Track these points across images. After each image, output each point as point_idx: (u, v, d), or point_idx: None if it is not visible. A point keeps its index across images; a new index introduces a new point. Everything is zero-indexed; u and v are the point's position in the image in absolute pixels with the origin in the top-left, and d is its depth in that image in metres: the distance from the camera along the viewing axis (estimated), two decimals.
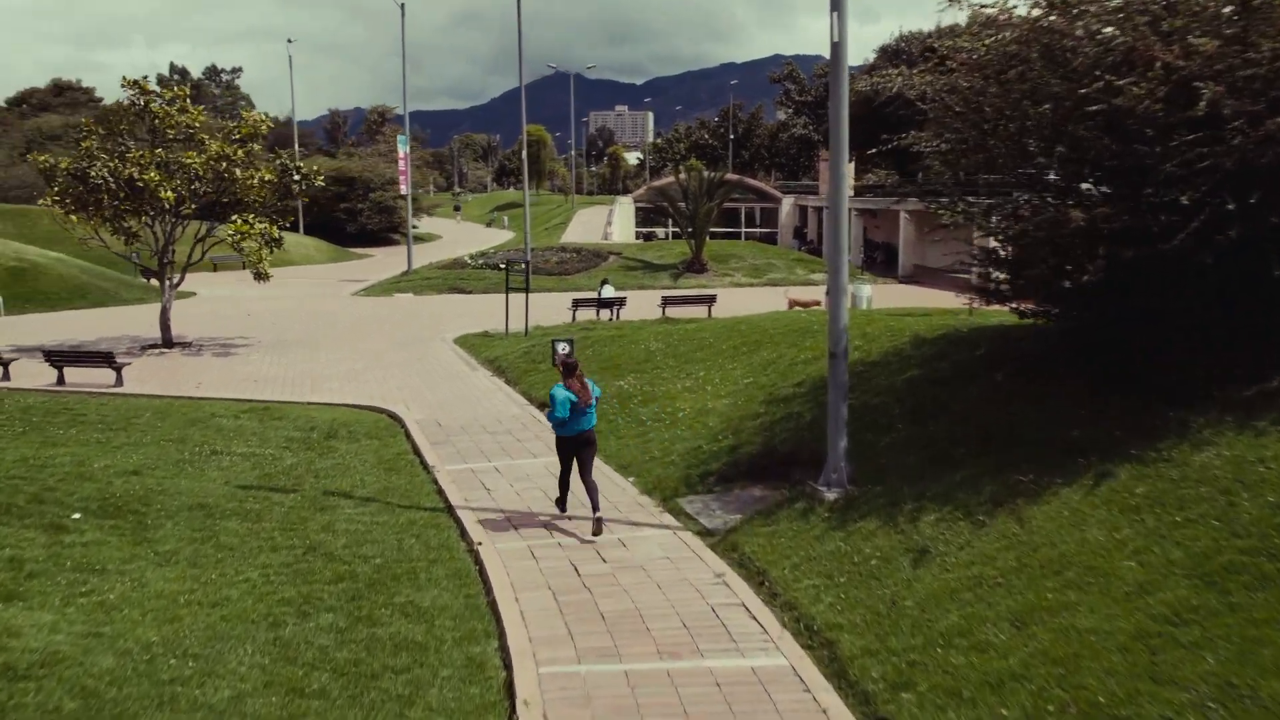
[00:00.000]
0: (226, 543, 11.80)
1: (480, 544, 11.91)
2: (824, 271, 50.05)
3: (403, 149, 55.79)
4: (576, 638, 9.37)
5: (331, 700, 7.89)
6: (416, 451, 16.85)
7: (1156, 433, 10.32)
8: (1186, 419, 10.17)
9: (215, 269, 53.52)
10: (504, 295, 30.44)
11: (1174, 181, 10.09)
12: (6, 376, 23.89)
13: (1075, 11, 11.03)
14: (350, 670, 8.46)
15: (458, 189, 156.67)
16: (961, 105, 12.40)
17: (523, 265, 32.84)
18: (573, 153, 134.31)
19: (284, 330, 33.72)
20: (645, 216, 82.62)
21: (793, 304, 32.81)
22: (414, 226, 78.13)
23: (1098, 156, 10.87)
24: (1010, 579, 8.96)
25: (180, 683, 7.96)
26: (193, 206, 28.85)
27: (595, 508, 12.17)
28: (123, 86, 28.37)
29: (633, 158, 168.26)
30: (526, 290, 30.02)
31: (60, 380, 23.35)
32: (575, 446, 12.45)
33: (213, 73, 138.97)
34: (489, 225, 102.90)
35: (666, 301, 34.72)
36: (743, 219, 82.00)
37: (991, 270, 13.58)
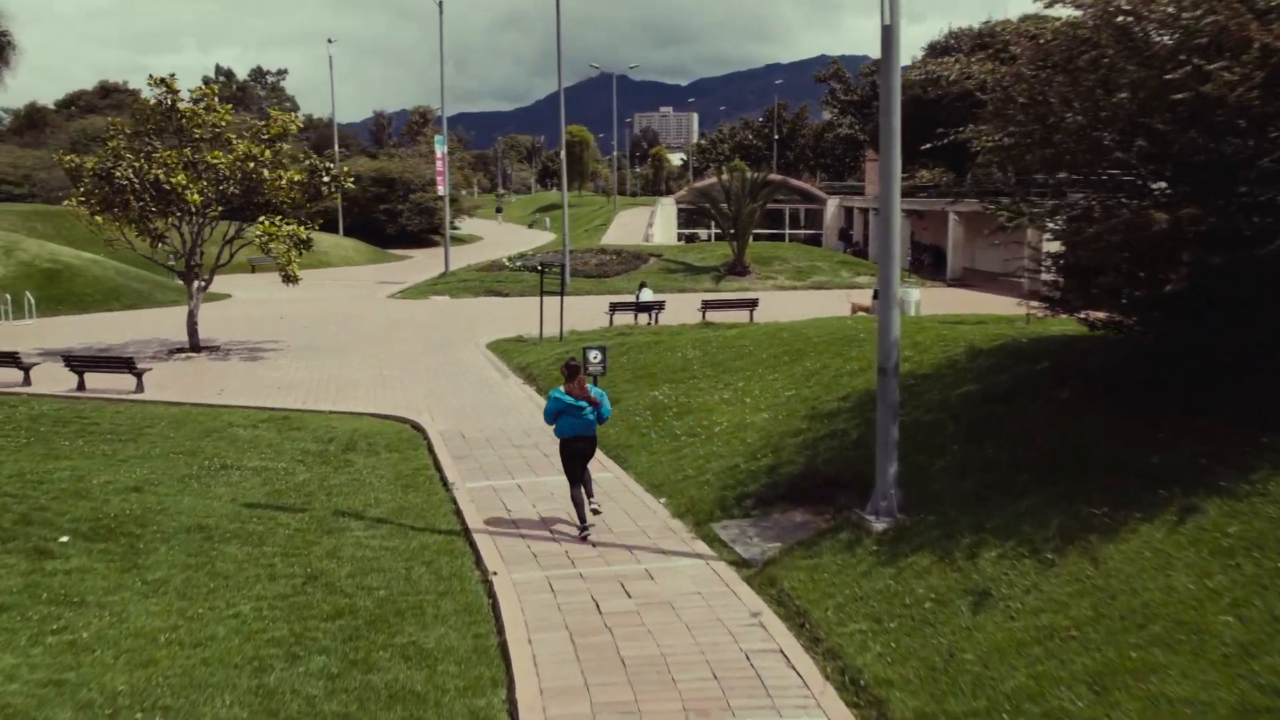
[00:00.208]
0: (222, 570, 10.94)
1: (495, 574, 10.96)
2: (870, 274, 48.71)
3: (439, 149, 54.99)
4: (593, 689, 8.36)
5: None
6: (437, 466, 15.96)
7: (1248, 461, 9.18)
8: None
9: (253, 270, 53.24)
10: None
11: (1271, 178, 8.94)
12: (27, 381, 23.33)
13: None
14: None
15: (501, 190, 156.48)
16: (1025, 96, 11.26)
17: (559, 268, 31.91)
18: (615, 154, 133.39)
19: (315, 334, 33.04)
20: (687, 218, 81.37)
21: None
22: (456, 228, 77.84)
23: (1182, 151, 9.70)
24: (1086, 632, 7.85)
25: None
26: (219, 208, 28.22)
27: (589, 494, 12.47)
28: (149, 85, 27.81)
29: (676, 159, 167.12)
30: (561, 294, 29.10)
31: (80, 386, 22.74)
32: (570, 449, 12.42)
33: (258, 74, 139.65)
34: (530, 226, 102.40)
35: (706, 305, 33.68)
36: (786, 220, 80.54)
37: (1058, 277, 12.39)
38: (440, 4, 52.05)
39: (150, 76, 27.74)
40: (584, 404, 12.24)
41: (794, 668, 8.66)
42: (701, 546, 11.77)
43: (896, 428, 11.21)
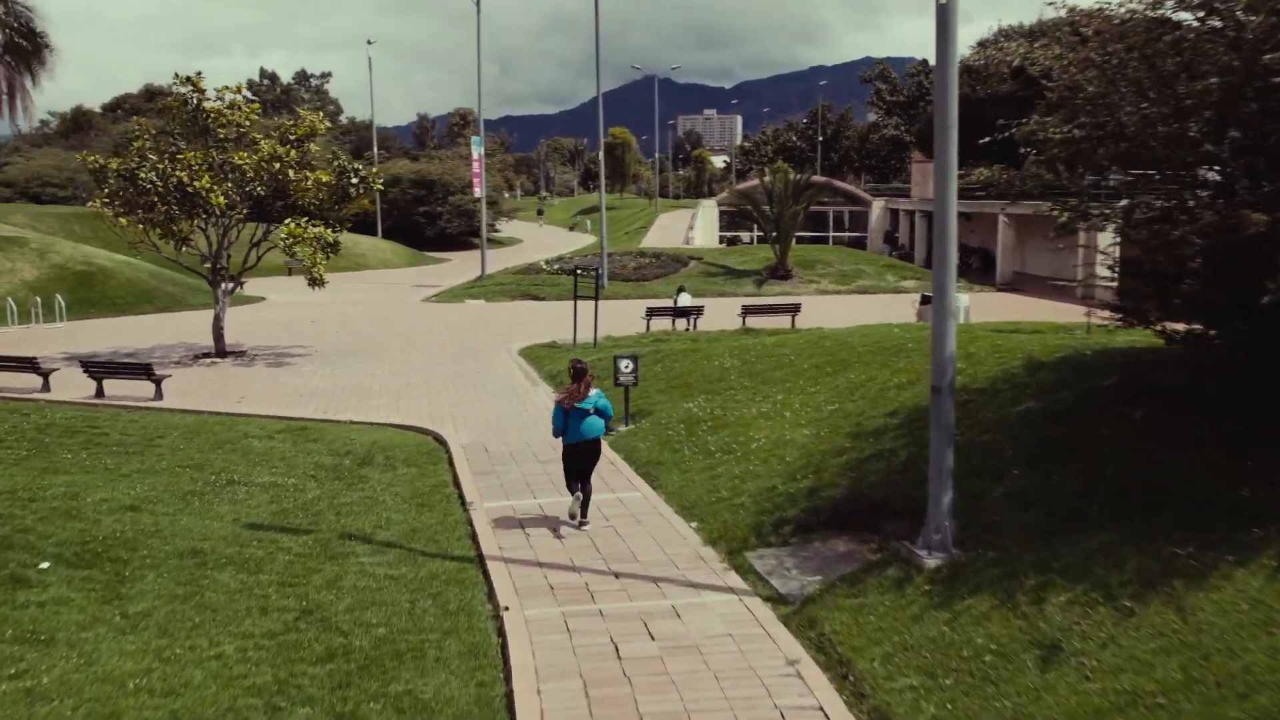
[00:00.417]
0: (210, 601, 10.07)
1: (506, 609, 9.99)
2: (916, 278, 47.33)
3: (476, 150, 54.10)
4: None
5: None
6: (456, 483, 15.03)
7: None
8: None
9: (290, 273, 52.69)
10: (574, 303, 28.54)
11: None
12: (46, 387, 22.72)
13: None
14: None
15: (543, 193, 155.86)
16: (1097, 83, 10.12)
17: (595, 271, 30.94)
18: (656, 156, 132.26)
19: (345, 338, 32.30)
20: (729, 220, 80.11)
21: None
22: (496, 230, 77.00)
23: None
24: (1177, 700, 6.76)
25: None
26: (244, 210, 27.51)
27: (584, 511, 12.57)
28: (175, 83, 27.17)
29: (719, 161, 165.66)
30: (596, 298, 28.12)
31: (99, 393, 22.08)
32: (572, 454, 12.55)
33: (302, 77, 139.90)
34: (572, 229, 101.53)
35: (747, 311, 32.58)
36: (830, 223, 79.05)
37: (1132, 284, 11.20)
38: (478, 4, 51.29)
39: (176, 75, 27.13)
40: (585, 407, 12.33)
41: None
42: (734, 579, 10.74)
43: (952, 453, 10.09)
